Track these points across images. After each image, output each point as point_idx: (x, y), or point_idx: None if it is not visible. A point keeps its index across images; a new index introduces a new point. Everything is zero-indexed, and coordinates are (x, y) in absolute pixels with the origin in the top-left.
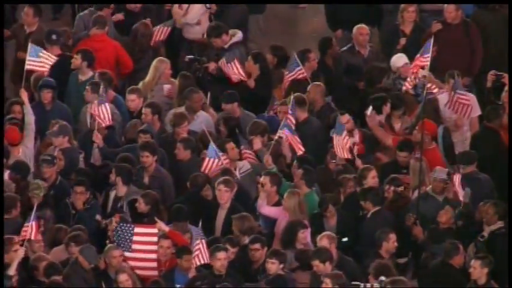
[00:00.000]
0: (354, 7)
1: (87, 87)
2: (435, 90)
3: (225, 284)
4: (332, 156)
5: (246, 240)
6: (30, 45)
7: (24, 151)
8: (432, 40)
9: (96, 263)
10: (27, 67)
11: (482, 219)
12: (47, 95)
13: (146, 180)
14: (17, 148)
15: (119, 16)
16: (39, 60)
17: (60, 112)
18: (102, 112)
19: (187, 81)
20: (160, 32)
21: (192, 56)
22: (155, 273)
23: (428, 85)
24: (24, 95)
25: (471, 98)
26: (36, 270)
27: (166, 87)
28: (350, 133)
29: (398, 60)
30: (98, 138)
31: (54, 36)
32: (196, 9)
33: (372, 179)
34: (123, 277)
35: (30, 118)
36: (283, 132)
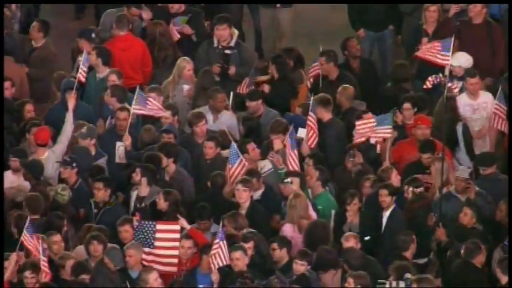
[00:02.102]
0: (377, 7)
1: (107, 93)
2: (456, 90)
3: (255, 284)
4: (350, 155)
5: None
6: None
7: (50, 156)
8: (453, 39)
9: (123, 265)
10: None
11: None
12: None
13: (167, 180)
14: (43, 149)
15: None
16: (149, 107)
17: (82, 112)
18: (150, 106)
19: (207, 77)
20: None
21: (219, 65)
22: (175, 269)
23: (449, 85)
24: (71, 102)
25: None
26: (62, 269)
27: (186, 87)
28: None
29: (462, 59)
30: (128, 139)
31: (93, 35)
32: None
33: (395, 177)
34: (153, 276)
35: (69, 127)
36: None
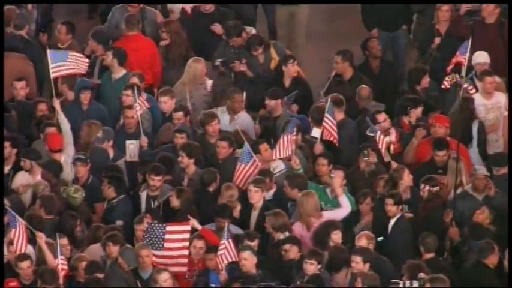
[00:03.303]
0: (389, 7)
1: (127, 91)
2: (472, 91)
3: (270, 284)
4: (364, 154)
5: (281, 236)
6: (48, 52)
7: (66, 159)
8: (470, 40)
9: (136, 265)
10: (52, 75)
11: None
12: (86, 96)
13: (185, 182)
14: (58, 154)
15: None
16: (68, 63)
17: (96, 112)
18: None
19: (222, 78)
20: None
21: (221, 60)
22: (184, 269)
23: (465, 85)
24: (57, 104)
25: None
26: (76, 271)
27: (209, 82)
28: (386, 132)
29: (479, 57)
30: (144, 141)
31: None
32: None
33: (407, 176)
34: (164, 276)
35: (66, 127)
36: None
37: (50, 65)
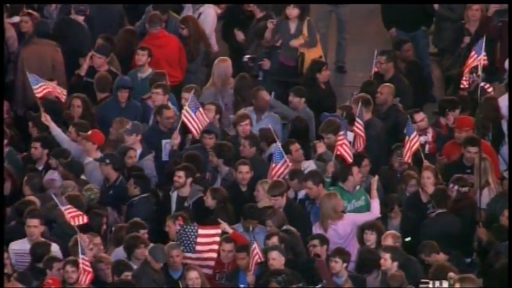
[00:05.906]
0: (409, 7)
1: (157, 90)
2: (490, 90)
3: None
4: (398, 154)
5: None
6: (29, 76)
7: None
8: (484, 39)
9: (165, 261)
10: (37, 95)
11: None
12: (123, 95)
13: (219, 182)
14: (96, 151)
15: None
16: (42, 84)
17: (134, 110)
18: (196, 120)
19: (243, 81)
20: None
21: (250, 56)
22: (211, 271)
23: (482, 84)
24: (47, 118)
25: None
26: (100, 271)
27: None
28: (423, 131)
29: None
30: (176, 139)
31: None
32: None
33: (427, 179)
34: (193, 274)
35: (64, 139)
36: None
37: (33, 87)
